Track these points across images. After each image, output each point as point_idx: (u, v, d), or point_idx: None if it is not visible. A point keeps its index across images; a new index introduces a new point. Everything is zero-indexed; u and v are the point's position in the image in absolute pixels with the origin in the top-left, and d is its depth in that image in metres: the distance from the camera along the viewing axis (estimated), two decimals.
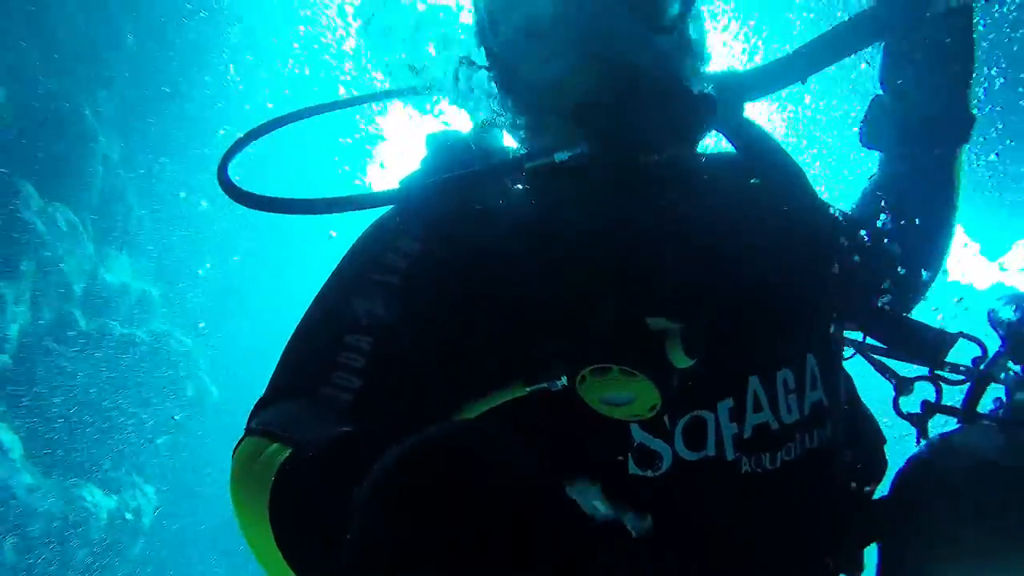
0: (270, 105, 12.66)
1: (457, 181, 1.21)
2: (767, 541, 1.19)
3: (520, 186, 1.31)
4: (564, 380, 1.03)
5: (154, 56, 10.92)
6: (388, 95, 1.65)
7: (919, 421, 1.37)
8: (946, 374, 1.37)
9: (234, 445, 1.10)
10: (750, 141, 1.34)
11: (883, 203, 1.47)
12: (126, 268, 11.28)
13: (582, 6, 1.15)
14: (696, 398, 1.16)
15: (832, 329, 1.36)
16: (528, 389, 1.07)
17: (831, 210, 1.46)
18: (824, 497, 1.25)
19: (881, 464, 1.39)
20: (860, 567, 1.32)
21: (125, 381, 10.31)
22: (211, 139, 11.70)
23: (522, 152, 1.24)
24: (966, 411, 1.33)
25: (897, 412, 1.40)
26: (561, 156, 1.12)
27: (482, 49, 1.30)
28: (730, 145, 1.34)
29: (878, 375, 1.45)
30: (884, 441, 1.40)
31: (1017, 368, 1.35)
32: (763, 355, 1.22)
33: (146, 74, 10.95)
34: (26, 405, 8.96)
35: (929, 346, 1.38)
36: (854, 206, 1.54)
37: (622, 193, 1.18)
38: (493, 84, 1.31)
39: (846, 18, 1.33)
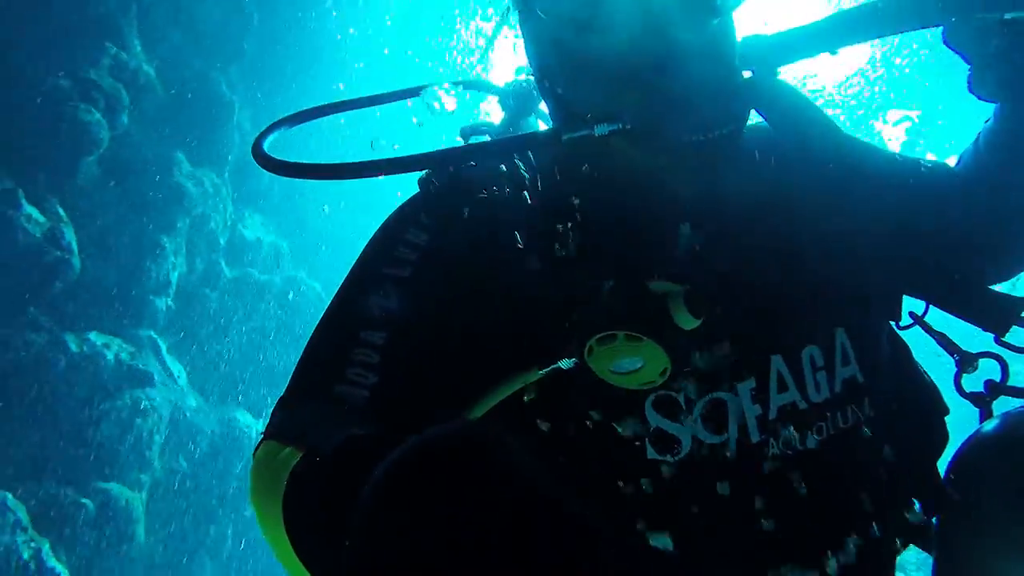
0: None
1: (483, 148, 1.21)
2: (798, 524, 1.13)
3: (533, 164, 1.29)
4: (574, 359, 1.02)
5: (279, 36, 12.13)
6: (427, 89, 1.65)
7: (983, 403, 1.29)
8: (1015, 343, 1.26)
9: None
10: (784, 110, 1.25)
11: (990, 157, 1.33)
12: (258, 224, 12.73)
13: None
14: (714, 380, 1.14)
15: (873, 300, 1.28)
16: (541, 372, 1.07)
17: (899, 165, 1.37)
18: (861, 477, 1.18)
19: (938, 437, 1.31)
20: (925, 538, 1.25)
21: (265, 321, 11.76)
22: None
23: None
24: None
25: (959, 391, 1.31)
26: (602, 129, 1.09)
27: (521, 17, 1.26)
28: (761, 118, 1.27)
29: (940, 348, 1.34)
30: (946, 412, 1.33)
31: None
32: (785, 332, 1.18)
33: (270, 53, 12.21)
34: (186, 342, 10.52)
35: (996, 309, 1.26)
36: (959, 160, 1.40)
37: (656, 169, 1.15)
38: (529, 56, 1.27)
39: None
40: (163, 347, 9.85)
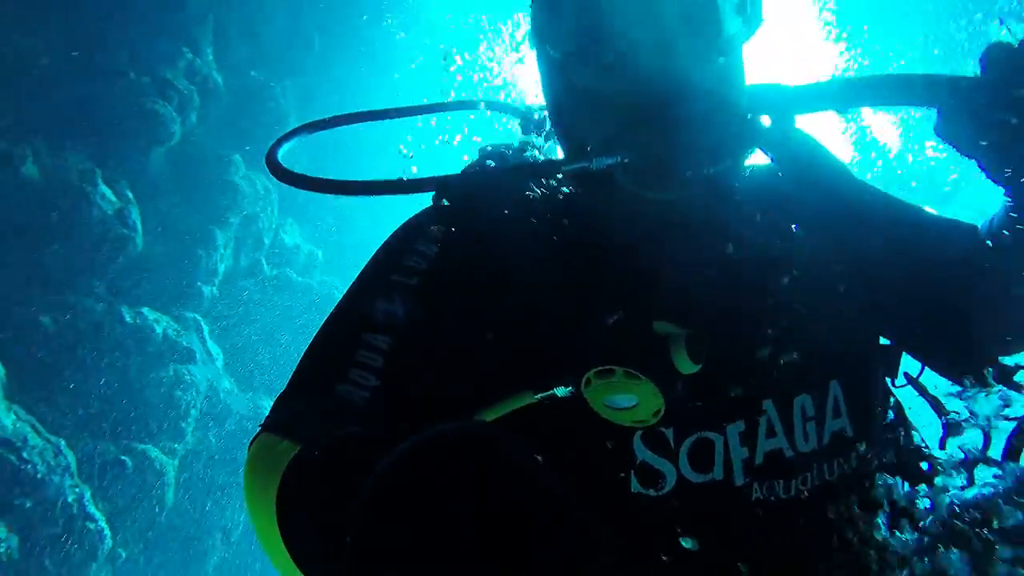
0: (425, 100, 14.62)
1: (487, 175, 1.24)
2: (774, 570, 1.14)
3: (545, 191, 1.30)
4: (570, 388, 1.03)
5: (335, 57, 13.07)
6: (449, 107, 1.69)
7: (962, 467, 1.29)
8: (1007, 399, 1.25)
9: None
10: (795, 158, 1.27)
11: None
12: (297, 232, 13.52)
13: (641, 19, 1.12)
14: (703, 419, 1.14)
15: (870, 354, 1.29)
16: (536, 397, 1.07)
17: (915, 221, 1.35)
18: (841, 531, 1.18)
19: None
20: None
21: (296, 319, 12.44)
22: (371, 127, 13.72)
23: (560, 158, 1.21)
24: (1006, 461, 1.24)
25: (942, 450, 1.32)
26: (599, 163, 1.11)
27: (536, 51, 1.27)
28: (771, 159, 1.29)
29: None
30: (926, 480, 1.31)
31: None
32: (779, 379, 1.18)
33: (326, 71, 13.14)
34: (226, 328, 11.23)
35: (976, 358, 1.27)
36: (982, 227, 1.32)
37: (652, 206, 1.15)
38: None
39: (925, 72, 1.19)
40: (205, 329, 10.56)
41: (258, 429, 1.12)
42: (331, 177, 1.30)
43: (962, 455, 1.30)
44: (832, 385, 1.21)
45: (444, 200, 1.28)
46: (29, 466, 7.55)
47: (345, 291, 1.26)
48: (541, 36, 1.22)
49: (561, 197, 1.29)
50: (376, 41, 13.65)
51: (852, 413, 1.22)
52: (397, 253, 1.25)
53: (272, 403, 1.20)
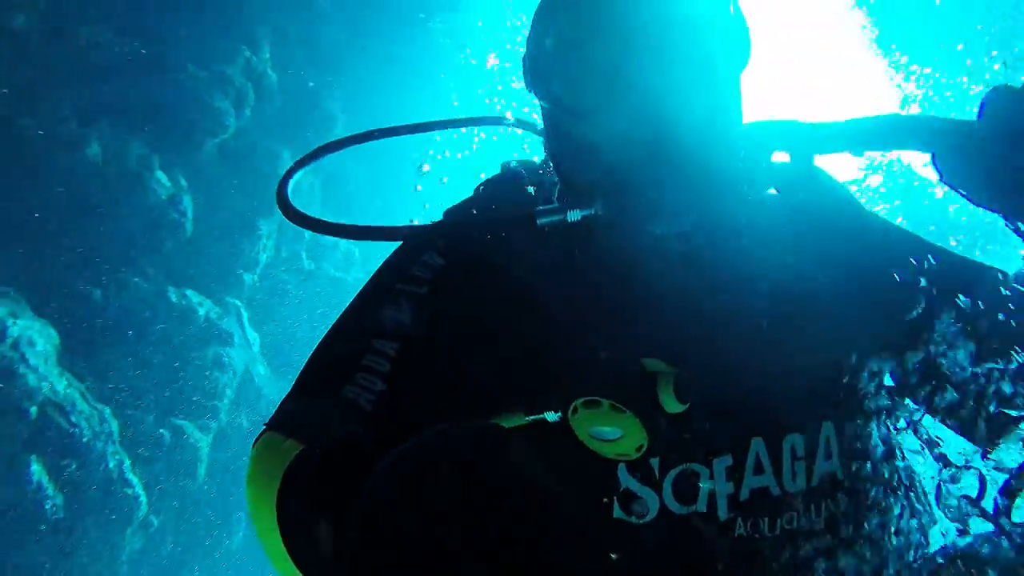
0: (454, 103, 15.09)
1: (470, 226, 1.25)
2: None
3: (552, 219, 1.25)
4: (559, 414, 1.02)
5: (386, 66, 13.53)
6: (466, 123, 1.69)
7: (957, 517, 1.25)
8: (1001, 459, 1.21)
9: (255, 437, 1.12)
10: (807, 194, 1.26)
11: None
12: None
13: (618, 70, 1.13)
14: (690, 451, 1.14)
15: (867, 397, 1.26)
16: (527, 419, 1.07)
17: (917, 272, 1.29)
18: (827, 572, 1.17)
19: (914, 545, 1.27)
20: None
21: (331, 313, 12.85)
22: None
23: (539, 206, 1.19)
24: (997, 516, 1.20)
25: (937, 502, 1.29)
26: (574, 216, 1.13)
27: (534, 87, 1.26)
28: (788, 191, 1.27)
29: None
30: (931, 523, 1.29)
31: None
32: (769, 417, 1.18)
33: (376, 79, 13.60)
34: (263, 316, 11.68)
35: (988, 426, 1.22)
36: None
37: (652, 241, 1.16)
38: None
39: (946, 116, 1.16)
40: (245, 315, 11.01)
41: (262, 427, 1.14)
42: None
43: (955, 504, 1.26)
44: (824, 425, 1.21)
45: (455, 214, 1.33)
46: (76, 430, 8.00)
47: (351, 301, 1.29)
48: (527, 83, 1.26)
49: (567, 224, 1.26)
50: (420, 47, 14.09)
51: (844, 456, 1.21)
52: (404, 264, 1.28)
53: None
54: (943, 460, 1.29)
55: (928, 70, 12.82)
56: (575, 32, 1.18)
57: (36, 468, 7.62)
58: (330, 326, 1.28)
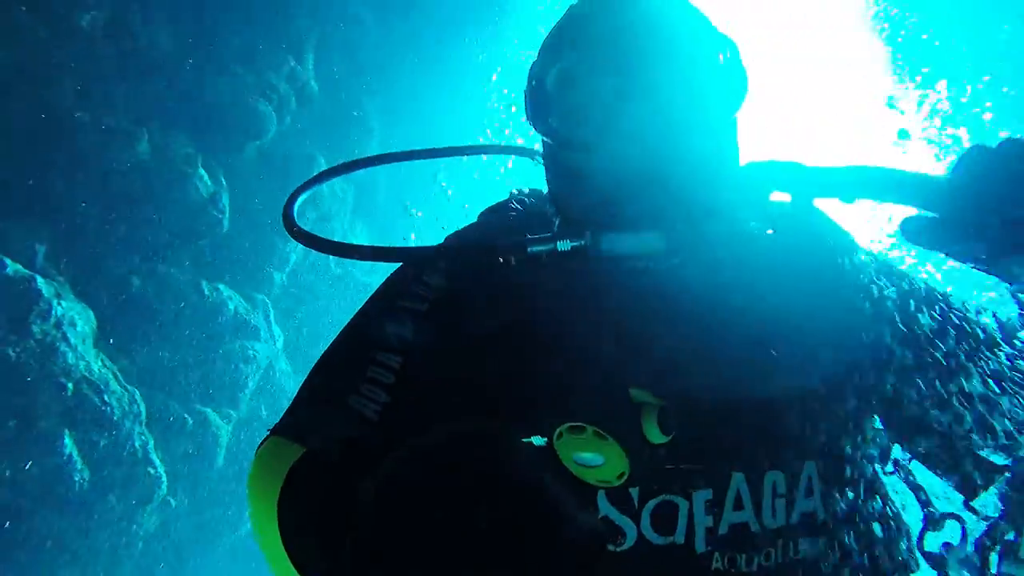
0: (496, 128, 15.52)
1: (467, 251, 1.28)
2: None
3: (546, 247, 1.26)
4: (546, 438, 1.03)
5: (425, 81, 14.02)
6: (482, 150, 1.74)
7: (938, 564, 1.29)
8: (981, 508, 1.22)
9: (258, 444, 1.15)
10: (801, 239, 1.27)
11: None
12: (365, 234, 14.43)
13: (613, 103, 1.17)
14: (670, 482, 1.16)
15: (850, 440, 1.27)
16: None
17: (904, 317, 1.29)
18: None
19: None
20: None
21: None
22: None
23: (528, 235, 1.21)
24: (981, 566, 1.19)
25: (919, 547, 1.32)
26: (563, 246, 1.15)
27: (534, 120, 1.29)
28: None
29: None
30: (911, 570, 1.30)
31: None
32: (752, 454, 1.19)
33: (413, 94, 14.10)
34: (289, 314, 12.14)
35: (973, 474, 1.23)
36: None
37: (647, 272, 1.17)
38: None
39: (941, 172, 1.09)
40: (272, 312, 11.47)
41: (267, 433, 1.17)
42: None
43: (937, 551, 1.27)
44: (807, 465, 1.22)
45: (456, 238, 1.37)
46: (108, 408, 8.45)
47: (352, 317, 1.32)
48: (528, 116, 1.29)
49: (558, 253, 1.27)
50: (456, 62, 14.56)
51: (825, 497, 1.22)
52: (405, 283, 1.31)
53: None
54: (927, 505, 1.29)
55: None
56: (574, 68, 1.22)
57: (69, 441, 8.07)
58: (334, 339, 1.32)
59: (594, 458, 1.00)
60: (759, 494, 1.18)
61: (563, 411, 1.01)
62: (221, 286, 10.56)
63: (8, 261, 7.83)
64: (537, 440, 1.06)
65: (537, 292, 1.28)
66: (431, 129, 14.03)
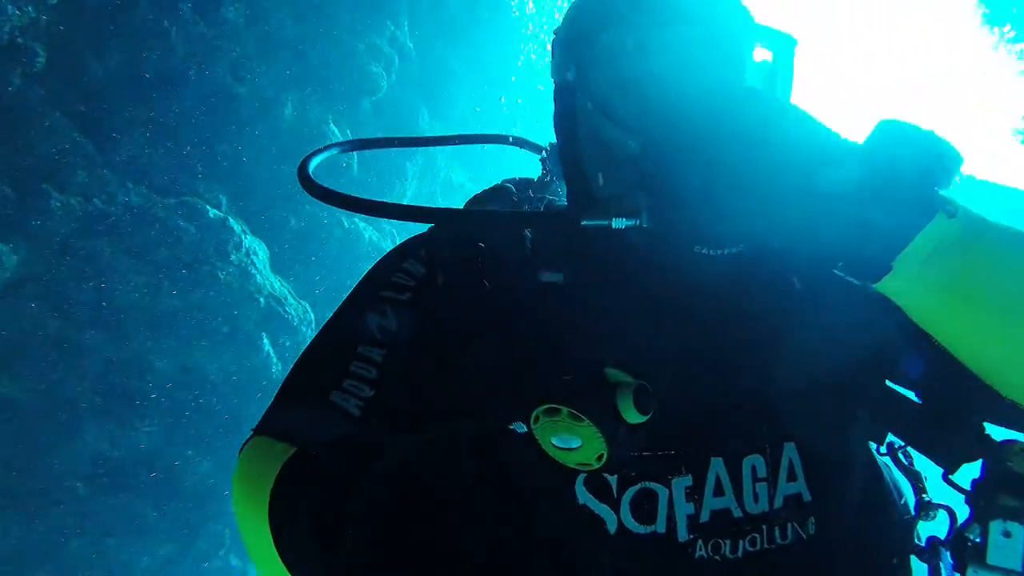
0: None
1: (498, 216, 1.25)
2: None
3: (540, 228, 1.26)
4: (523, 426, 1.00)
5: (495, 31, 15.89)
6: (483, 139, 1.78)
7: (928, 558, 1.24)
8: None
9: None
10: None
11: None
12: (463, 174, 16.54)
13: (679, 79, 1.11)
14: (648, 469, 1.14)
15: (836, 420, 1.23)
16: (500, 428, 1.08)
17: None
18: None
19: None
20: None
21: None
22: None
23: (568, 205, 1.22)
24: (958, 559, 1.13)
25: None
26: (619, 223, 1.09)
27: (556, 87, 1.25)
28: None
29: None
30: (910, 551, 1.27)
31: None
32: (729, 437, 1.18)
33: (487, 40, 16.04)
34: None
35: (953, 445, 1.16)
36: None
37: (658, 276, 1.15)
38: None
39: None
40: (396, 238, 13.74)
41: (249, 433, 1.16)
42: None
43: (923, 542, 1.25)
44: (787, 447, 1.20)
45: (439, 226, 1.35)
46: (289, 317, 10.85)
47: (335, 310, 1.32)
48: (563, 73, 1.24)
49: (548, 238, 1.28)
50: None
51: (810, 479, 1.19)
52: (386, 272, 1.32)
53: None
54: (921, 492, 1.29)
55: None
56: (640, 34, 1.15)
57: (266, 342, 10.51)
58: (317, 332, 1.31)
59: (571, 440, 0.96)
60: (739, 479, 1.17)
61: (537, 393, 0.97)
62: (357, 219, 12.86)
63: (209, 207, 10.23)
64: (518, 427, 1.05)
65: (526, 273, 1.26)
66: (508, 73, 15.96)
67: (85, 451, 9.15)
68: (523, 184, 1.51)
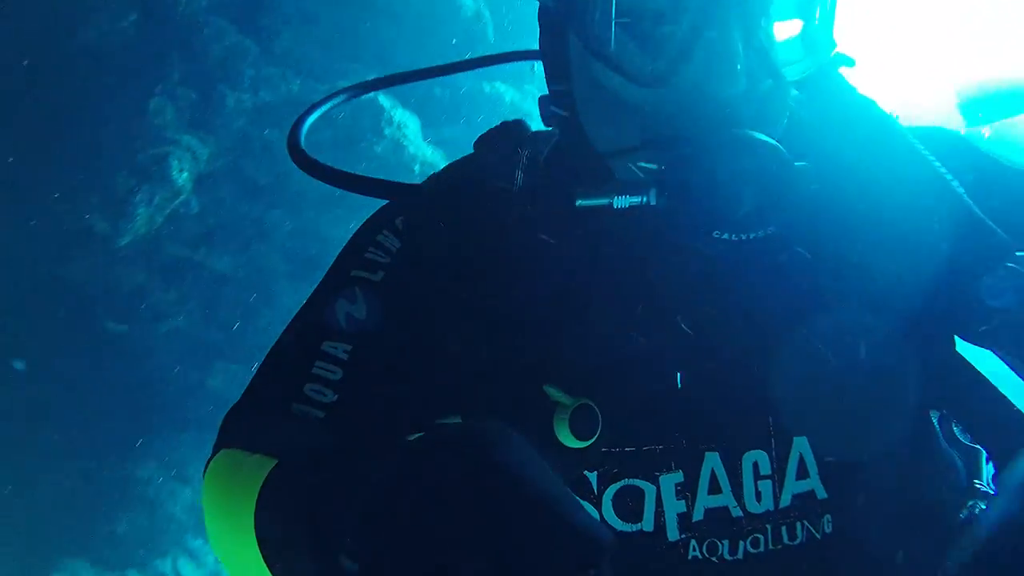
0: None
1: (474, 197, 1.17)
2: None
3: (526, 185, 1.19)
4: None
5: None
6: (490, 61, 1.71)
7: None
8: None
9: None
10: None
11: None
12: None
13: (703, 39, 0.98)
14: (631, 465, 1.07)
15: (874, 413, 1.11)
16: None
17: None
18: None
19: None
20: None
21: None
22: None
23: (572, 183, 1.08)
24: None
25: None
26: (621, 202, 0.99)
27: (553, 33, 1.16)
28: None
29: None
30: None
31: None
32: (726, 432, 1.10)
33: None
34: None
35: (1004, 431, 1.05)
36: None
37: (653, 251, 1.06)
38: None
39: None
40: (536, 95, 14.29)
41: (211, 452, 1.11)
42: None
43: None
44: (797, 442, 1.11)
45: (414, 192, 1.27)
46: None
47: (309, 295, 1.25)
48: (574, 21, 1.09)
49: (531, 209, 1.19)
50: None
51: (825, 474, 1.10)
52: (359, 247, 1.25)
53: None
54: (974, 476, 1.15)
55: None
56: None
57: None
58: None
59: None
60: (738, 476, 1.09)
61: (475, 401, 0.94)
62: (497, 82, 13.49)
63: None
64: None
65: (497, 248, 1.17)
66: None
67: (283, 309, 10.87)
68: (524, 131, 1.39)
